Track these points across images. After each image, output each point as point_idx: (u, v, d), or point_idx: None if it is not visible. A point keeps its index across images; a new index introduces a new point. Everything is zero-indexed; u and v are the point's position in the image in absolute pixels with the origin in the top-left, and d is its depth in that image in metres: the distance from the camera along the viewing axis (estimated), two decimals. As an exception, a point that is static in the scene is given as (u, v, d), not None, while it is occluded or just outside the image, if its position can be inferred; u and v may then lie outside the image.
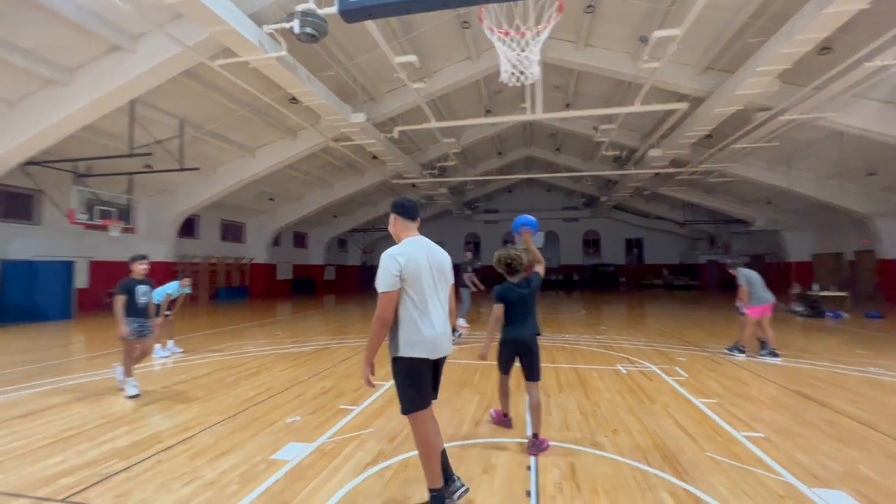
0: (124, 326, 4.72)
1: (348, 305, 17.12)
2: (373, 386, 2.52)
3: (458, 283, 10.01)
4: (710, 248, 28.20)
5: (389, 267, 2.34)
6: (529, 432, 3.39)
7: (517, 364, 3.61)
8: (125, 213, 13.26)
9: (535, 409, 3.38)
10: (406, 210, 2.55)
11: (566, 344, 8.04)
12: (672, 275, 28.70)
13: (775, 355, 6.57)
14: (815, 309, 12.41)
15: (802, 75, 9.79)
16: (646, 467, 3.02)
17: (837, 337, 8.82)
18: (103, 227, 12.59)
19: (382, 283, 2.34)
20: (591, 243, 33.46)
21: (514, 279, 3.57)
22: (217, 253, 20.04)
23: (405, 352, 2.37)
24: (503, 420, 3.84)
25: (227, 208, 19.34)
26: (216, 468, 3.01)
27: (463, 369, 6.04)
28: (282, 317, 13.33)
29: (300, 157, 14.90)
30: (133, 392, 4.73)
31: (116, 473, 2.93)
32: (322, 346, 8.02)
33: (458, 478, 2.56)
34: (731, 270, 7.08)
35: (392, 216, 2.59)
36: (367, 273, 32.32)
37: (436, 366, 2.52)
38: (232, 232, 21.33)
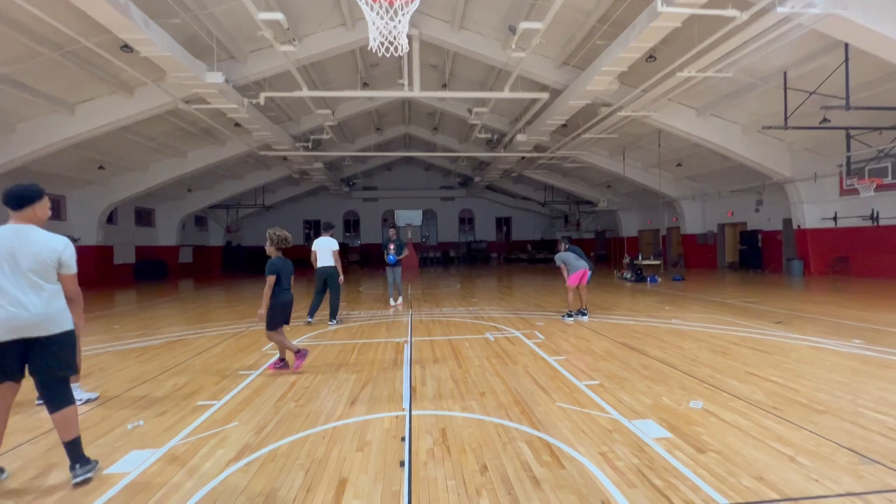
0: None
1: (209, 290, 15.33)
2: None
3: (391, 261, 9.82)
4: (566, 225, 32.10)
5: None
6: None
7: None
8: None
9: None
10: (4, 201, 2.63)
11: (442, 317, 8.44)
12: (534, 249, 32.01)
13: (583, 314, 7.81)
14: (640, 275, 15.11)
15: (635, 78, 11.55)
16: (507, 422, 3.37)
17: (653, 297, 10.90)
18: None
19: None
20: (467, 221, 35.35)
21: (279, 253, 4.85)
22: (23, 233, 15.96)
23: None
24: (281, 364, 4.90)
25: (35, 176, 15.29)
26: (23, 498, 2.46)
27: (339, 349, 5.92)
28: (122, 307, 11.33)
29: (140, 118, 12.49)
30: None
31: None
32: (175, 337, 7.07)
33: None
34: (560, 247, 8.23)
35: None
36: (233, 254, 29.19)
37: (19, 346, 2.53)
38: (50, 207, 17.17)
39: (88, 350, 6.24)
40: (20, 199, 2.59)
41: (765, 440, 2.96)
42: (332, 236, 8.23)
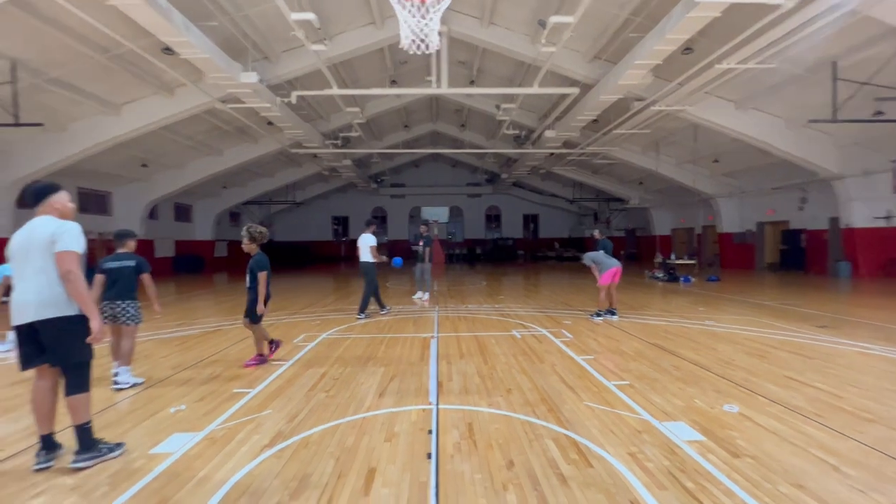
0: None
1: (243, 284, 15.85)
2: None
3: (419, 258, 9.96)
4: (595, 223, 31.45)
5: None
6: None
7: None
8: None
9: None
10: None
11: (468, 314, 8.45)
12: (562, 247, 31.53)
13: (613, 314, 7.67)
14: (672, 275, 14.65)
15: (670, 71, 11.17)
16: (534, 419, 3.35)
17: (686, 297, 10.56)
18: None
19: None
20: (493, 218, 35.14)
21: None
22: (74, 227, 16.95)
23: None
24: (260, 359, 4.91)
25: (85, 174, 16.34)
26: (78, 472, 2.64)
27: (368, 343, 6.03)
28: (163, 298, 11.87)
29: (180, 118, 13.06)
30: None
31: (-61, 493, 2.42)
32: (213, 328, 7.37)
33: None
34: (595, 236, 8.66)
35: None
36: (266, 249, 30.02)
37: (30, 330, 2.66)
38: (93, 202, 18.20)
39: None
40: (36, 196, 2.77)
41: (805, 447, 2.84)
42: (373, 233, 8.44)
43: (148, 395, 4.02)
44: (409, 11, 3.91)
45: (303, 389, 4.12)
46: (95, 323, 2.67)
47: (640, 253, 28.64)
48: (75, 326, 2.66)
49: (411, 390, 4.08)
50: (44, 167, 13.23)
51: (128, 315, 4.27)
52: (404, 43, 4.26)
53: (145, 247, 19.78)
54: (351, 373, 4.66)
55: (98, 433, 2.87)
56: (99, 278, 4.25)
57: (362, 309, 8.07)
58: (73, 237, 2.66)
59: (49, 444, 2.76)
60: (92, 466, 2.68)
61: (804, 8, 7.41)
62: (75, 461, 2.67)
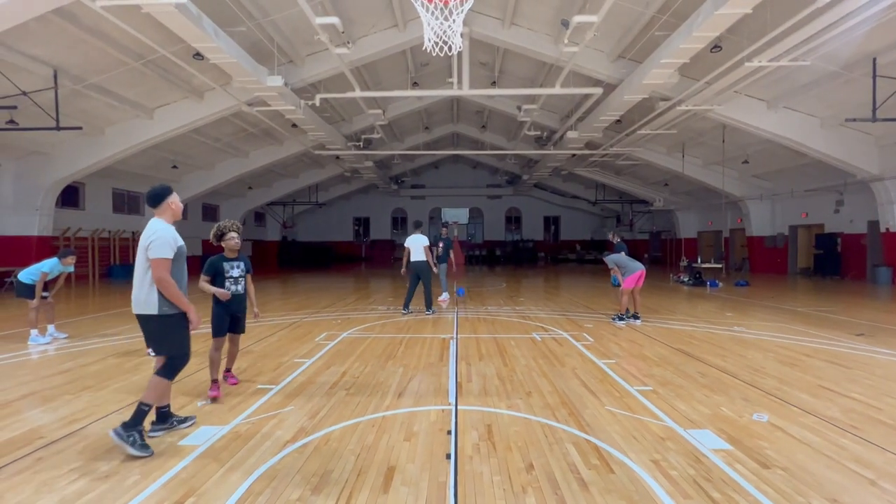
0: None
1: (267, 283, 16.22)
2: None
3: (440, 259, 10.05)
4: (618, 225, 30.88)
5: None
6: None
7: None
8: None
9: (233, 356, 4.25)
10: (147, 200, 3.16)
11: (488, 316, 8.42)
12: (583, 249, 31.06)
13: (636, 318, 7.53)
14: (699, 279, 14.25)
15: (697, 70, 10.88)
16: (554, 423, 3.32)
17: (713, 303, 10.25)
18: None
19: None
20: (514, 220, 34.92)
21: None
22: (109, 226, 17.69)
23: None
24: (216, 393, 3.81)
25: (119, 175, 17.04)
26: (113, 460, 2.75)
27: (388, 343, 6.08)
28: (191, 296, 12.25)
29: (208, 121, 13.49)
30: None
31: (-15, 476, 2.56)
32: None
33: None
34: (614, 238, 8.62)
35: None
36: (289, 249, 30.71)
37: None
38: (127, 202, 18.94)
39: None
40: (153, 198, 3.09)
41: (840, 460, 2.72)
42: (422, 233, 8.68)
43: (176, 389, 4.15)
44: (433, 14, 3.94)
45: (324, 387, 4.18)
46: (193, 315, 3.01)
47: (665, 256, 27.99)
48: (168, 323, 2.97)
49: (430, 390, 4.10)
50: (81, 169, 13.89)
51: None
52: (427, 45, 4.29)
53: (175, 246, 20.43)
54: (370, 372, 4.71)
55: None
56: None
57: (428, 305, 8.49)
58: (160, 245, 2.90)
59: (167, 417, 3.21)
60: (116, 444, 2.78)
61: (842, 2, 7.11)
62: (114, 432, 2.82)
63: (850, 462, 2.69)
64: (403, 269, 8.60)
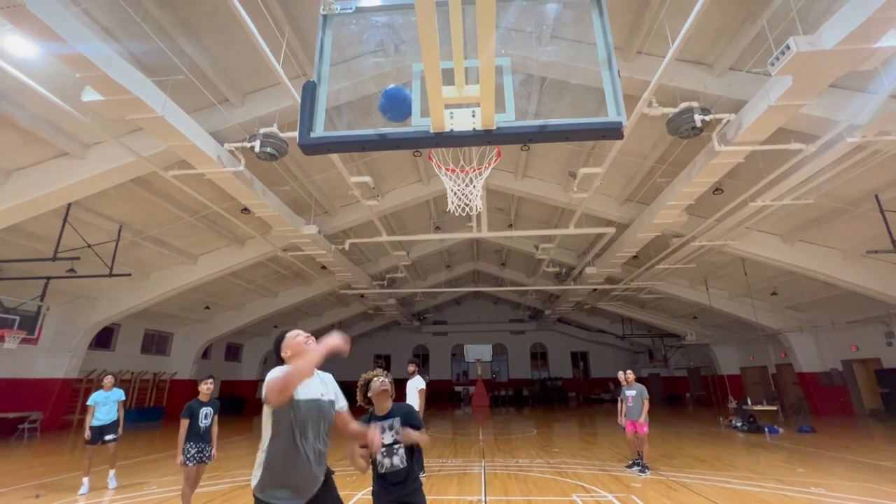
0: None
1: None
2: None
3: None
4: (651, 361, 29.18)
5: None
6: None
7: None
8: (30, 322, 11.73)
9: None
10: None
11: (519, 471, 7.47)
12: (617, 388, 28.86)
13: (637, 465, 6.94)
14: (753, 424, 12.72)
15: (705, 209, 11.49)
16: None
17: (777, 454, 8.93)
18: (-1, 338, 11.00)
19: None
20: (539, 356, 33.57)
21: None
22: (134, 367, 17.78)
23: None
24: None
25: (154, 317, 17.80)
26: None
27: None
28: (199, 444, 11.53)
29: (246, 265, 14.53)
30: None
31: None
32: (243, 481, 6.89)
33: None
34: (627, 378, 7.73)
35: None
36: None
37: None
38: (156, 343, 19.35)
39: (160, 493, 6.23)
40: (276, 347, 3.10)
41: None
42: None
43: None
44: (455, 181, 4.47)
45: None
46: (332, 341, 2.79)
47: (710, 395, 25.57)
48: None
49: (454, 574, 3.41)
50: (121, 311, 14.63)
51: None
52: (451, 207, 4.77)
53: (191, 387, 20.08)
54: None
55: None
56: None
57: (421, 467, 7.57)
58: (267, 386, 2.65)
59: None
60: None
61: (828, 150, 7.74)
62: None
63: None
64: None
